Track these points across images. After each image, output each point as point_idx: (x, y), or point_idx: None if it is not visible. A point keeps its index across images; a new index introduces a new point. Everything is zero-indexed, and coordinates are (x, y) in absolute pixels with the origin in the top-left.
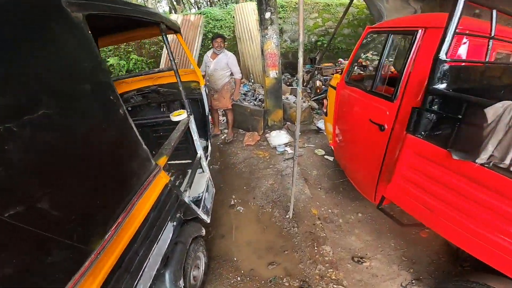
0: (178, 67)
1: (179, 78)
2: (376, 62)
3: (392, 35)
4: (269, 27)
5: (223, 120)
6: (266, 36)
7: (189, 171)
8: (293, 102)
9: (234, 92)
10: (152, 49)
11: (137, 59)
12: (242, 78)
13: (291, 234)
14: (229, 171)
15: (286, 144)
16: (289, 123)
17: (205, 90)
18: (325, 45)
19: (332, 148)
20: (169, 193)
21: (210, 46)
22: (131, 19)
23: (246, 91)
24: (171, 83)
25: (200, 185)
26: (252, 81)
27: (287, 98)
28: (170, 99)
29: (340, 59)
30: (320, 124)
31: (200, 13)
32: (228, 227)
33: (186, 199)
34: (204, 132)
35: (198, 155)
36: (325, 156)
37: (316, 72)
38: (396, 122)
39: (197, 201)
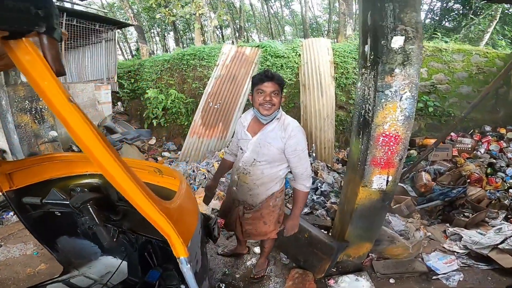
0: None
1: None
2: None
3: None
4: (396, 70)
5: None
6: (386, 92)
7: None
8: (399, 233)
9: (289, 218)
10: (194, 85)
11: (176, 95)
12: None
13: None
14: None
15: None
16: (373, 256)
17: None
18: (430, 109)
19: None
20: None
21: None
22: None
23: None
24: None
25: None
26: (314, 154)
27: (389, 222)
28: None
29: (453, 134)
30: (433, 263)
31: (258, 46)
32: None
33: None
34: None
35: None
36: None
37: (421, 156)
38: None
39: None
